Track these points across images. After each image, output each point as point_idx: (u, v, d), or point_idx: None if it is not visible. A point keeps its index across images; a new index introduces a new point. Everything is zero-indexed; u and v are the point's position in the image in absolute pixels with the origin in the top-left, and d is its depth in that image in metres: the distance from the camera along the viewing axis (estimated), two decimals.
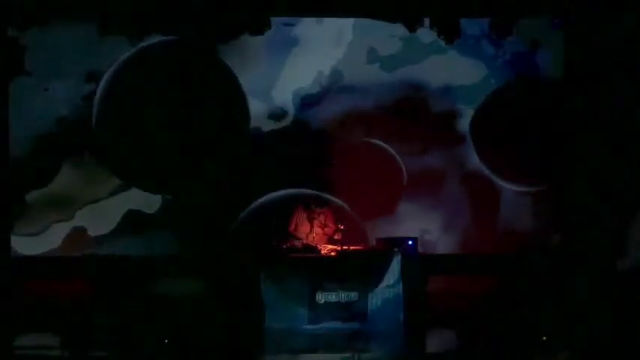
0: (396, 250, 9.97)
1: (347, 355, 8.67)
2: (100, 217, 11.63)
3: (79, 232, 11.61)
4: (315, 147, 11.72)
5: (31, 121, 11.54)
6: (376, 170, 11.78)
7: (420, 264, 10.24)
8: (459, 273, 11.57)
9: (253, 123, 11.74)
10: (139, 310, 10.47)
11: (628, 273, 10.69)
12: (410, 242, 10.32)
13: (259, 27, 11.35)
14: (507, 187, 11.85)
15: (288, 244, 10.07)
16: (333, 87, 11.78)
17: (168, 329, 9.51)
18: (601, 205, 11.26)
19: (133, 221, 11.63)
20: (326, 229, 10.31)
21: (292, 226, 10.33)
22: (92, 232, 11.63)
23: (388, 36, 11.76)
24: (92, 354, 8.95)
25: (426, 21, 11.46)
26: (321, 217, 10.34)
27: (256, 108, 11.76)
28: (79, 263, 11.38)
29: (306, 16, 11.68)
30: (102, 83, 11.60)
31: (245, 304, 9.94)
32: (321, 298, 9.78)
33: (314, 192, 11.60)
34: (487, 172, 11.84)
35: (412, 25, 11.41)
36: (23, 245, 11.53)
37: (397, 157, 11.86)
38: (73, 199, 11.64)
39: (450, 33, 11.43)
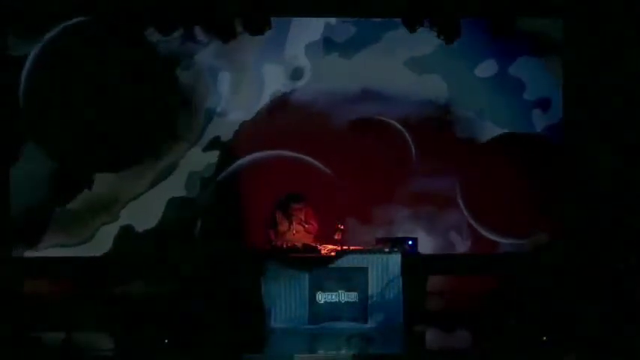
0: (395, 249, 9.97)
1: (347, 355, 8.67)
2: (144, 212, 11.64)
3: (126, 231, 11.64)
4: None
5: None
6: (382, 148, 11.83)
7: (420, 264, 10.23)
8: (459, 273, 11.57)
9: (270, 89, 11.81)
10: (137, 309, 10.47)
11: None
12: (410, 242, 10.32)
13: (259, 27, 11.36)
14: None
15: (288, 244, 10.05)
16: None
17: (169, 329, 9.50)
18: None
19: (176, 209, 11.67)
20: (307, 227, 10.23)
21: (271, 226, 10.25)
22: (139, 229, 11.65)
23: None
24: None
25: (426, 21, 11.47)
26: (301, 214, 10.25)
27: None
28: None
29: (304, 15, 11.69)
30: (28, 62, 11.58)
31: (245, 304, 9.93)
32: (321, 298, 9.78)
33: (297, 154, 11.72)
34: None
35: (412, 25, 11.40)
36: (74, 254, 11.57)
37: (407, 137, 11.89)
38: (114, 199, 11.64)
39: (450, 33, 11.42)
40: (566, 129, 11.80)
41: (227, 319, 9.98)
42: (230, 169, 11.78)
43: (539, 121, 11.90)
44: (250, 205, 11.57)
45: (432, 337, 9.83)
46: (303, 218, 10.22)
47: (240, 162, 11.77)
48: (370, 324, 9.75)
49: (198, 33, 11.65)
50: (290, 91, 11.81)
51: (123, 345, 9.18)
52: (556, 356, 8.50)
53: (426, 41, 11.64)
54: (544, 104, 11.90)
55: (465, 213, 11.82)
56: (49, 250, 11.53)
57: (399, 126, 11.84)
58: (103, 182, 11.64)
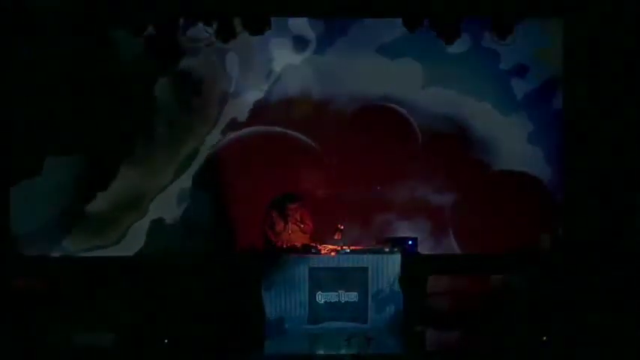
0: (395, 249, 9.97)
1: (347, 355, 8.67)
2: (171, 204, 11.65)
3: (157, 225, 11.64)
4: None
5: None
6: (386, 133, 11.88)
7: (420, 264, 10.23)
8: (458, 273, 11.57)
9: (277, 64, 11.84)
10: (138, 309, 10.48)
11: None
12: (410, 242, 10.32)
13: (259, 27, 11.36)
14: None
15: (287, 244, 10.05)
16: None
17: (168, 329, 9.50)
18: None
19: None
20: (303, 226, 10.23)
21: (269, 227, 10.26)
22: (170, 221, 11.66)
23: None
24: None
25: (426, 21, 11.47)
26: (297, 214, 10.24)
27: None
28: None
29: (305, 16, 11.69)
30: None
31: (245, 304, 9.93)
32: (321, 298, 9.78)
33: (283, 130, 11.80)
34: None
35: (412, 26, 11.40)
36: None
37: (414, 123, 11.91)
38: (141, 195, 11.63)
39: (449, 33, 11.42)
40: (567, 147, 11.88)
41: (227, 319, 9.98)
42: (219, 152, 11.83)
43: (519, 89, 11.92)
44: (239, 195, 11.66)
45: (432, 337, 9.83)
46: (298, 218, 10.23)
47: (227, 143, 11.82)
48: (370, 324, 9.75)
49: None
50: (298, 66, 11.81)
51: (123, 344, 9.18)
52: (556, 356, 8.51)
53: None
54: (521, 71, 11.93)
55: (453, 238, 11.89)
56: (84, 252, 11.56)
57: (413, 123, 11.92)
58: (127, 179, 11.62)
